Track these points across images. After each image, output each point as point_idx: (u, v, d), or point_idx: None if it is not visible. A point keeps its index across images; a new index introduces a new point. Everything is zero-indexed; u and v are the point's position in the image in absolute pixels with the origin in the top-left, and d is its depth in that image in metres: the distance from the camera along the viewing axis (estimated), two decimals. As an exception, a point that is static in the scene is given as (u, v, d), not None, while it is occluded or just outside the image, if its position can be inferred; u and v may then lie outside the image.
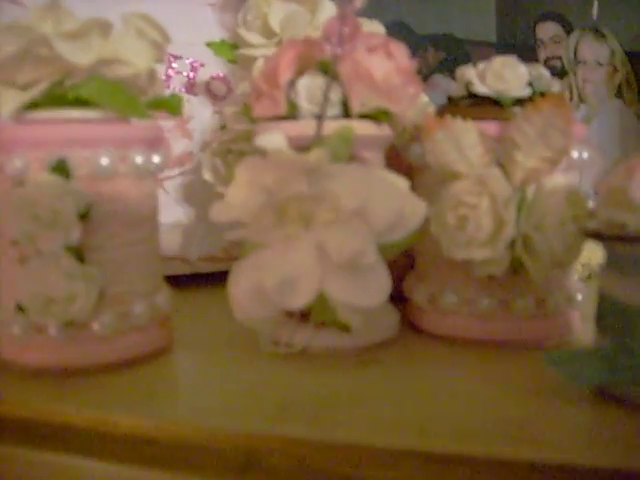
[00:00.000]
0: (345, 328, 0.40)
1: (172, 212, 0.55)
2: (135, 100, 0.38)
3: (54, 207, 0.35)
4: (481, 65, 0.43)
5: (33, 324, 0.37)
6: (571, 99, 0.63)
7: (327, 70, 0.38)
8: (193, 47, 0.56)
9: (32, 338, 0.38)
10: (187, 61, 0.56)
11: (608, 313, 0.34)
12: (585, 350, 0.35)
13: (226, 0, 0.57)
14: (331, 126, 0.38)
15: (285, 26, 0.49)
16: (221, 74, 0.57)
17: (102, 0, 0.55)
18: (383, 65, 0.39)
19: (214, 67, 0.57)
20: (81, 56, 0.36)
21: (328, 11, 0.50)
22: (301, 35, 0.49)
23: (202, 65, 0.57)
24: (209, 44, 0.54)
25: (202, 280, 0.57)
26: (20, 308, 0.37)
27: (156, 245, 0.43)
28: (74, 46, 0.36)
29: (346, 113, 0.39)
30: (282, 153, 0.37)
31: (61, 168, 0.36)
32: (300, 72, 0.40)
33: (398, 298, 0.44)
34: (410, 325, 0.45)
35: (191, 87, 0.56)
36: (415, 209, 0.38)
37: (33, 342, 0.38)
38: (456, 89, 0.45)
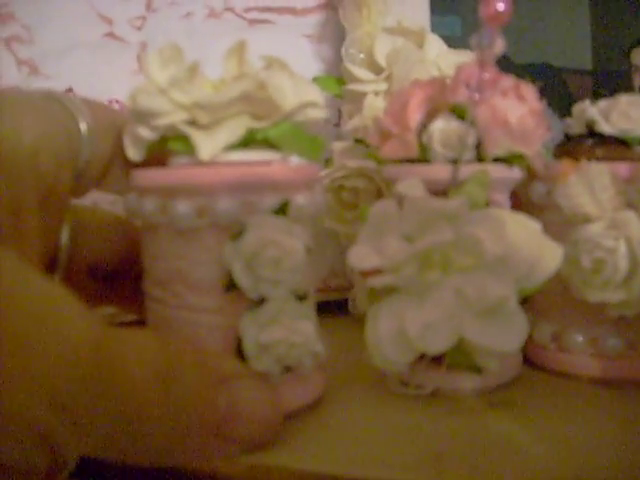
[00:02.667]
0: (476, 370, 0.40)
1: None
2: (318, 143, 0.37)
3: (290, 249, 0.34)
4: (603, 103, 0.43)
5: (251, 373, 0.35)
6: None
7: (462, 114, 0.39)
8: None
9: None
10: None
11: None
12: None
13: (322, 31, 0.57)
14: (466, 170, 0.38)
15: (393, 61, 0.50)
16: (316, 104, 0.57)
17: (200, 35, 0.56)
18: (517, 109, 0.39)
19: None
20: (283, 99, 0.35)
21: (435, 46, 0.50)
22: (411, 70, 0.49)
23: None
24: (315, 79, 0.55)
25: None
26: (239, 355, 0.35)
27: None
28: (277, 88, 0.35)
29: (479, 156, 0.39)
30: (423, 200, 0.37)
31: (283, 209, 0.35)
32: (430, 114, 0.40)
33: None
34: (529, 362, 0.45)
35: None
36: (553, 254, 0.38)
37: None
38: (574, 126, 0.45)
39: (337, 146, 0.51)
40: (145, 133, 0.36)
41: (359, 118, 0.49)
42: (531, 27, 0.58)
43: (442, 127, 0.39)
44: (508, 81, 0.40)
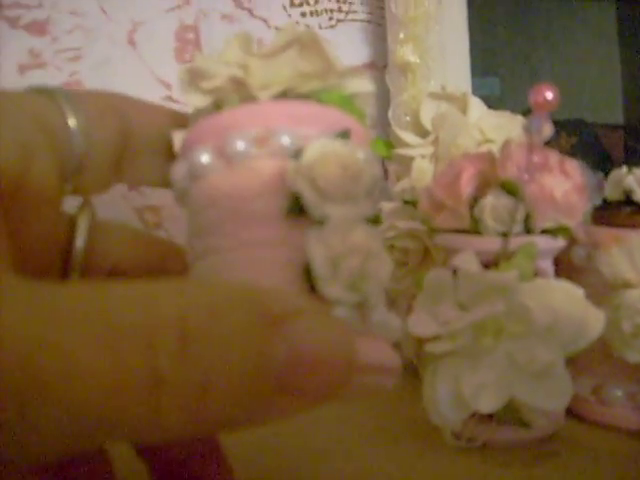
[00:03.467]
0: (524, 424, 0.43)
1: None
2: (364, 118, 0.37)
3: (360, 168, 0.29)
4: (638, 172, 0.46)
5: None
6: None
7: (512, 191, 0.42)
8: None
9: None
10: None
11: None
12: None
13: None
14: (515, 242, 0.42)
15: (438, 125, 0.53)
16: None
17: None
18: (562, 185, 0.42)
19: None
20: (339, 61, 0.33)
21: (477, 109, 0.53)
22: (456, 135, 0.52)
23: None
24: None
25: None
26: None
27: None
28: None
29: (527, 229, 0.42)
30: (479, 272, 0.40)
31: (345, 135, 0.31)
32: (481, 188, 0.44)
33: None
34: (570, 414, 0.48)
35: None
36: (596, 320, 0.41)
37: None
38: (612, 192, 0.48)
39: (386, 206, 0.54)
40: (198, 100, 0.34)
41: (408, 180, 0.53)
42: (565, 83, 0.61)
43: (493, 202, 0.42)
44: (554, 158, 0.43)
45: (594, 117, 0.62)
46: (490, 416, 0.44)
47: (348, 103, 0.34)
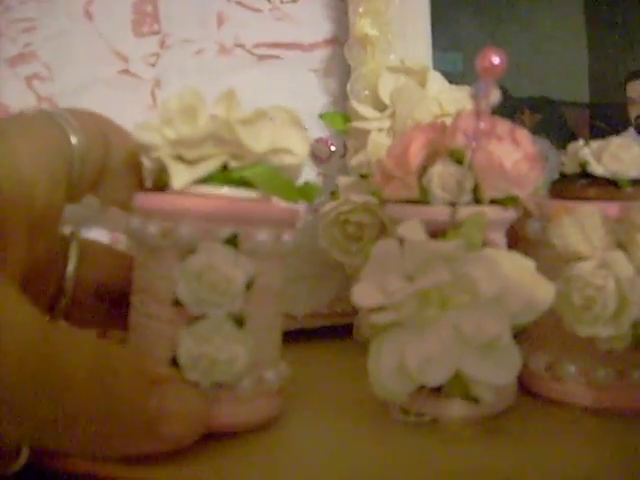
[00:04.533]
0: (474, 399, 0.42)
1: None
2: (291, 185, 0.42)
3: (228, 277, 0.38)
4: (595, 145, 0.46)
5: (184, 380, 0.39)
6: (660, 154, 0.65)
7: (460, 159, 0.41)
8: (298, 112, 0.58)
9: None
10: (293, 125, 0.59)
11: None
12: None
13: (328, 66, 0.60)
14: (464, 212, 0.41)
15: (396, 99, 0.52)
16: (323, 137, 0.60)
17: (211, 71, 0.59)
18: (512, 154, 0.41)
19: (317, 131, 0.60)
20: (255, 143, 0.40)
21: (437, 83, 0.53)
22: (412, 108, 0.51)
23: (306, 129, 0.59)
24: (321, 115, 0.57)
25: (308, 336, 0.60)
26: (174, 362, 0.39)
27: (281, 317, 0.45)
28: (251, 133, 0.40)
29: (476, 199, 0.42)
30: (423, 241, 0.39)
31: (234, 241, 0.39)
32: (430, 157, 0.43)
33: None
34: (524, 389, 0.48)
35: (296, 149, 0.59)
36: (545, 292, 0.40)
37: None
38: (569, 165, 0.47)
39: (342, 180, 0.53)
40: (147, 163, 0.42)
41: (363, 154, 0.52)
42: (529, 61, 0.60)
43: (441, 171, 0.41)
44: (504, 126, 0.42)
45: (560, 95, 0.61)
46: (439, 391, 0.43)
47: (272, 176, 0.41)
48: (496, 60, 0.39)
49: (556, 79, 0.60)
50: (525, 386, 0.48)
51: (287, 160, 0.41)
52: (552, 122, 0.59)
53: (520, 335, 0.49)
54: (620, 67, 0.61)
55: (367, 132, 0.52)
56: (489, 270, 0.39)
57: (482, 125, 0.40)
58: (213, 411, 0.40)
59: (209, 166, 0.41)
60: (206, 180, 0.41)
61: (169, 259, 0.40)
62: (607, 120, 0.60)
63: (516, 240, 0.47)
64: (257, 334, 0.42)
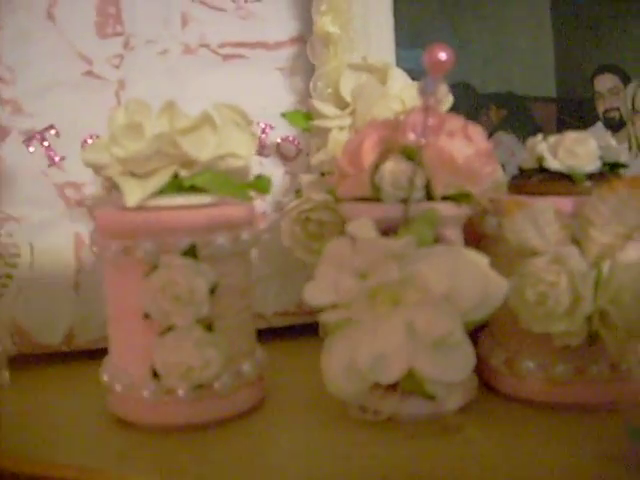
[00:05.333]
0: (430, 396, 0.42)
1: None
2: (241, 187, 0.42)
3: (191, 287, 0.40)
4: (552, 139, 0.45)
5: (164, 388, 0.42)
6: (630, 148, 0.65)
7: (411, 156, 0.41)
8: (263, 110, 0.59)
9: (161, 400, 0.43)
10: (258, 124, 0.59)
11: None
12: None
13: (294, 65, 0.60)
14: (416, 209, 0.41)
15: (357, 96, 0.52)
16: (290, 136, 0.60)
17: (176, 71, 0.58)
18: (464, 150, 0.41)
19: (283, 129, 0.59)
20: (200, 153, 0.41)
21: (399, 80, 0.52)
22: (373, 105, 0.51)
23: (272, 128, 0.59)
24: (284, 114, 0.57)
25: (277, 334, 0.60)
26: (155, 375, 0.42)
27: (252, 308, 0.47)
28: (194, 143, 0.41)
29: (429, 195, 0.41)
30: (372, 239, 0.39)
31: (192, 251, 0.41)
32: (383, 155, 0.42)
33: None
34: (485, 385, 0.47)
35: (262, 149, 0.59)
36: (498, 288, 0.40)
37: (161, 403, 0.43)
38: (527, 160, 0.47)
39: (304, 179, 0.53)
40: (102, 180, 0.45)
41: (324, 152, 0.52)
42: (495, 57, 0.60)
43: (392, 168, 0.41)
44: (456, 122, 0.42)
45: (526, 90, 0.61)
46: (396, 388, 0.43)
47: (222, 179, 0.43)
48: (443, 56, 0.39)
49: (522, 74, 0.60)
50: (486, 382, 0.47)
51: (233, 163, 0.43)
52: (519, 117, 0.59)
53: (481, 332, 0.49)
54: (587, 61, 0.61)
55: (328, 130, 0.52)
56: (439, 267, 0.38)
57: (431, 121, 0.39)
58: (193, 410, 0.43)
59: (160, 179, 0.42)
60: (160, 192, 0.42)
61: (134, 275, 0.42)
62: (575, 115, 0.60)
63: (477, 238, 0.47)
64: (228, 333, 0.43)
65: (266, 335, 0.60)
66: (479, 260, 0.40)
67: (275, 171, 0.59)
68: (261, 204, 0.58)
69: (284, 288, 0.59)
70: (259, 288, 0.58)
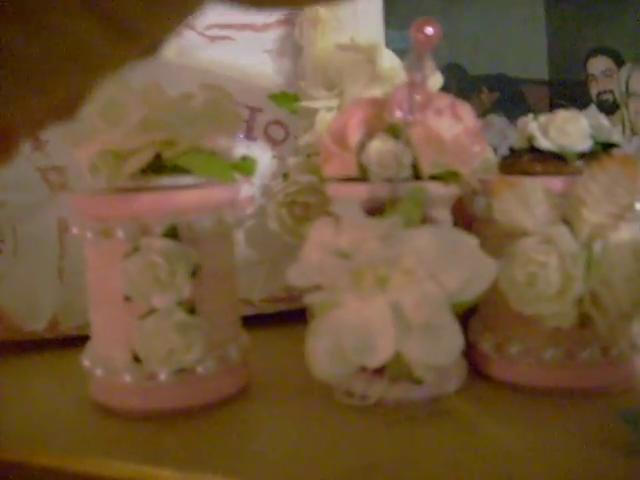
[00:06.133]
0: (418, 381, 0.41)
1: (235, 255, 0.57)
2: (226, 167, 0.41)
3: (172, 269, 0.39)
4: (543, 118, 0.44)
5: (146, 372, 0.41)
6: (623, 131, 0.64)
7: (398, 134, 0.40)
8: (251, 93, 0.58)
9: (143, 385, 0.42)
10: (246, 107, 0.58)
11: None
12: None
13: (282, 47, 0.59)
14: (403, 188, 0.40)
15: (345, 76, 0.51)
16: (279, 119, 0.59)
17: (167, 53, 0.57)
18: (452, 128, 0.40)
19: (271, 112, 0.58)
20: (183, 132, 0.40)
21: (387, 60, 0.51)
22: (362, 86, 0.50)
23: (260, 110, 0.58)
24: (271, 96, 0.56)
25: (266, 320, 0.59)
26: (136, 359, 0.41)
27: (237, 291, 0.47)
28: (177, 123, 0.40)
29: (416, 175, 0.40)
30: (357, 219, 0.38)
31: (173, 233, 0.40)
32: (368, 133, 0.41)
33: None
34: (475, 370, 0.47)
35: (250, 132, 0.58)
36: (486, 269, 0.39)
37: (143, 388, 0.42)
38: (518, 140, 0.46)
39: (292, 161, 0.52)
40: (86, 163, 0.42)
41: (312, 134, 0.51)
42: (487, 38, 0.59)
43: (378, 147, 0.40)
44: (444, 100, 0.41)
45: (518, 72, 0.60)
46: (383, 372, 0.42)
47: (206, 159, 0.42)
48: (429, 31, 0.38)
49: (514, 56, 0.59)
50: (476, 367, 0.47)
51: (219, 142, 0.41)
52: (510, 100, 0.58)
53: (471, 316, 0.49)
54: (580, 43, 0.60)
55: (316, 111, 0.51)
56: (425, 247, 0.38)
57: (417, 98, 0.38)
58: (176, 395, 0.42)
59: (141, 158, 0.41)
60: (142, 172, 0.41)
61: (114, 257, 0.41)
62: (567, 97, 0.59)
63: (468, 219, 0.47)
64: (212, 316, 0.42)
65: (254, 321, 0.59)
66: (467, 241, 0.39)
67: (263, 155, 0.58)
68: (249, 188, 0.57)
69: (272, 274, 0.58)
70: (247, 274, 0.57)
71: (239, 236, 0.57)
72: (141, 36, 0.18)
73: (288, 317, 0.59)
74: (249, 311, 0.58)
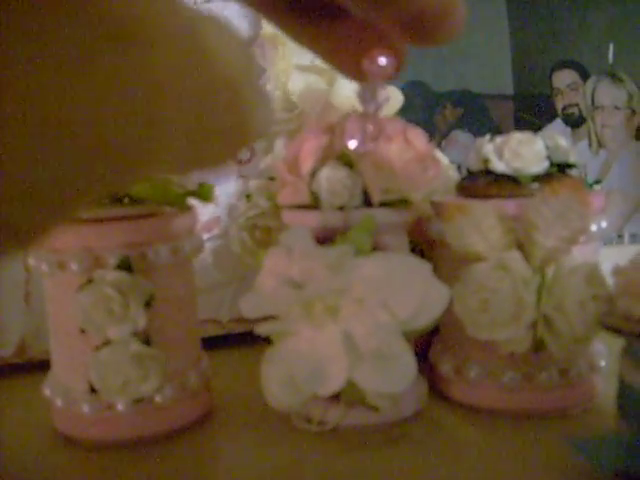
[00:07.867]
0: (374, 407, 0.41)
1: (203, 276, 0.57)
2: (181, 195, 0.41)
3: (125, 301, 0.39)
4: (499, 139, 0.44)
5: (104, 402, 0.41)
6: (590, 145, 0.64)
7: (349, 162, 0.40)
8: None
9: (101, 415, 0.42)
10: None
11: (628, 400, 0.35)
12: (607, 435, 0.36)
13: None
14: (353, 216, 0.40)
15: (304, 98, 0.51)
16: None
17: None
18: (402, 154, 0.40)
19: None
20: None
21: (347, 82, 0.51)
22: (319, 110, 0.50)
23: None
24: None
25: (233, 341, 0.59)
26: (93, 390, 0.41)
27: (197, 317, 0.47)
28: None
29: (368, 202, 0.40)
30: (307, 248, 0.38)
31: (126, 265, 0.40)
32: (321, 161, 0.41)
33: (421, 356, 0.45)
34: (436, 392, 0.47)
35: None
36: (439, 295, 0.39)
37: (101, 418, 0.42)
38: (474, 162, 0.46)
39: (253, 184, 0.52)
40: None
41: (272, 157, 0.51)
42: (450, 54, 0.59)
43: (329, 175, 0.40)
44: (395, 125, 0.41)
45: (482, 88, 0.59)
46: (339, 398, 0.42)
47: (161, 188, 0.41)
48: (382, 61, 0.37)
49: (478, 71, 0.59)
50: (436, 390, 0.47)
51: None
52: (475, 116, 0.58)
53: (433, 337, 0.49)
54: (545, 57, 0.60)
55: (275, 134, 0.51)
56: (374, 276, 0.38)
57: (369, 128, 0.38)
58: (135, 425, 0.42)
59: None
60: (95, 203, 0.41)
61: (69, 289, 0.41)
62: (533, 112, 0.59)
63: (428, 243, 0.47)
64: (169, 345, 0.42)
65: (223, 342, 0.59)
66: (419, 267, 0.39)
67: (229, 174, 0.58)
68: (215, 209, 0.57)
69: (240, 294, 0.58)
70: (215, 294, 0.58)
71: (206, 256, 0.57)
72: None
73: (257, 337, 0.59)
74: (217, 331, 0.59)
